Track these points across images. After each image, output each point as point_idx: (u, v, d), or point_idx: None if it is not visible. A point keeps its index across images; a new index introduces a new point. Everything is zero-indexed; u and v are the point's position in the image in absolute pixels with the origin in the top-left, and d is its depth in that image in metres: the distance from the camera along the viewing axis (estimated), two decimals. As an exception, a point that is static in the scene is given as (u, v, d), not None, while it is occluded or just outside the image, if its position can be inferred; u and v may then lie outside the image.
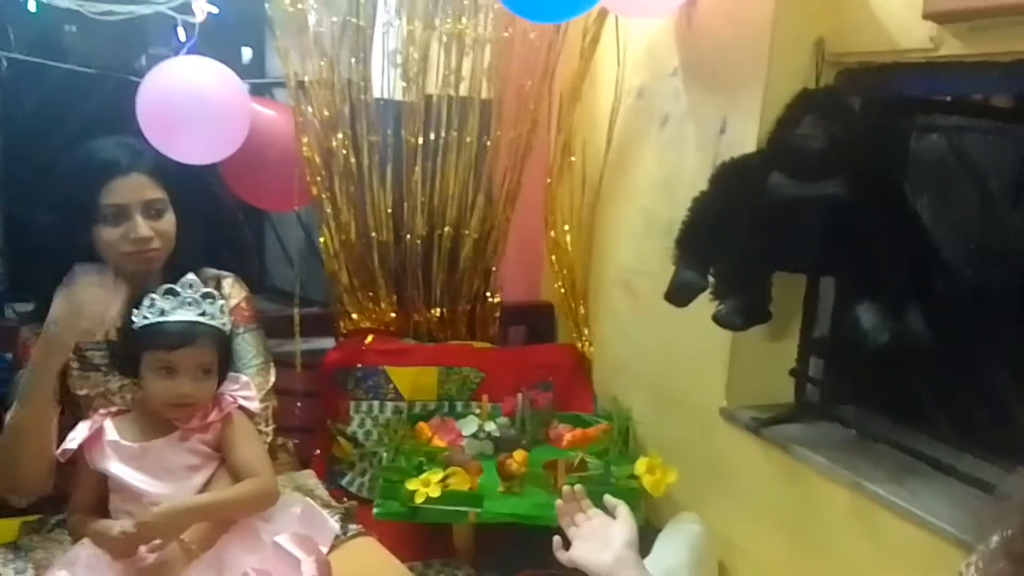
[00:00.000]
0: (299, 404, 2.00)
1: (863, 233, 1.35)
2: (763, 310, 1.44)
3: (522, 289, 2.34)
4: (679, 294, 1.51)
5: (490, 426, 1.92)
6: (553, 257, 2.22)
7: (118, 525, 1.30)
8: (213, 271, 1.62)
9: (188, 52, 1.82)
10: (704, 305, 1.49)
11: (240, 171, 1.95)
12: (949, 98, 1.57)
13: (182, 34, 1.84)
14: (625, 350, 2.04)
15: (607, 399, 2.06)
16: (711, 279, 1.47)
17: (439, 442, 1.84)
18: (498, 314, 2.22)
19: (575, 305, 2.17)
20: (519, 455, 1.77)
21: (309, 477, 1.69)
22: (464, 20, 2.08)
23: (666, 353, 1.83)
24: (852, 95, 1.53)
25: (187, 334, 1.37)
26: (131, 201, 1.43)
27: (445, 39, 2.10)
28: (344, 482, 1.96)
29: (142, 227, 1.44)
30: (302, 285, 2.13)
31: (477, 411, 1.98)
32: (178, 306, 1.39)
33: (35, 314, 1.49)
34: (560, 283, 2.20)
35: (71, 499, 1.42)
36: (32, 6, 1.67)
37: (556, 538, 1.18)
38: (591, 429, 1.91)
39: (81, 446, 1.38)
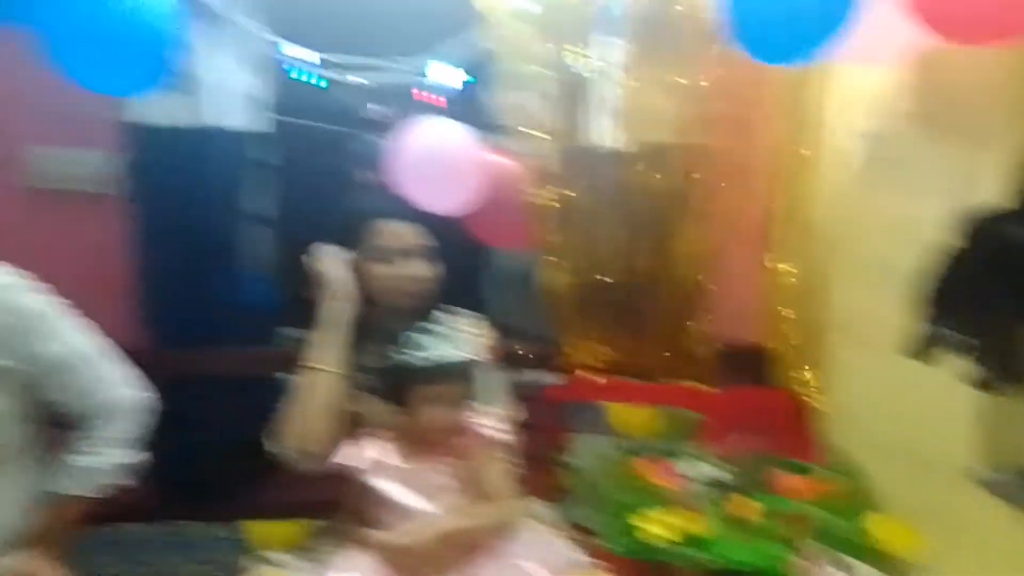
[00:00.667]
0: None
1: None
2: (1019, 371, 1.38)
3: (741, 332, 2.34)
4: (924, 349, 1.48)
5: (709, 469, 1.94)
6: (774, 301, 2.23)
7: (389, 536, 1.46)
8: (458, 309, 1.79)
9: (437, 113, 2.03)
10: (950, 360, 1.45)
11: (473, 214, 2.12)
12: None
13: (429, 97, 2.05)
14: (854, 400, 1.99)
15: (833, 450, 2.02)
16: (960, 335, 1.43)
17: (659, 480, 1.89)
18: (715, 356, 2.24)
19: (796, 350, 2.16)
20: (748, 502, 1.78)
21: (539, 507, 1.80)
22: (683, 68, 2.15)
23: (905, 407, 1.77)
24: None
25: (449, 369, 1.53)
26: (410, 244, 1.63)
27: (663, 87, 2.18)
28: (565, 511, 2.05)
29: (417, 267, 1.63)
30: (522, 321, 2.27)
31: (694, 452, 2.01)
32: (438, 343, 1.55)
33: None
34: (781, 327, 2.20)
35: (341, 508, 1.61)
36: (322, 83, 1.94)
37: None
38: (818, 480, 1.89)
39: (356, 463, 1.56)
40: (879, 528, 1.62)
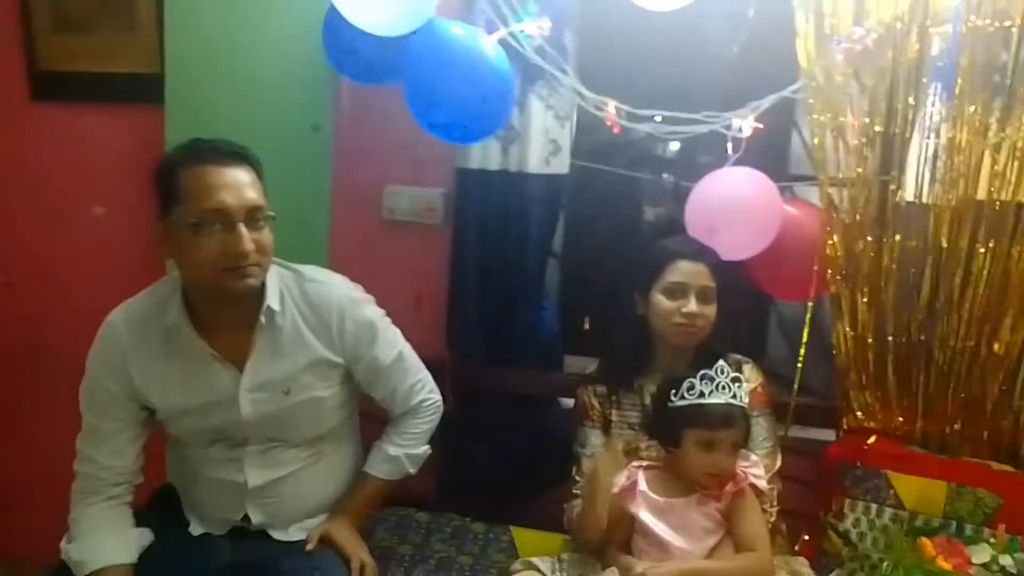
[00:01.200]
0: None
1: None
2: None
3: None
4: None
5: (1006, 560, 1.75)
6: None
7: (640, 566, 1.54)
8: (736, 356, 1.83)
9: (733, 162, 2.08)
10: None
11: (763, 262, 2.13)
12: None
13: (730, 147, 2.11)
14: None
15: None
16: None
17: (944, 564, 1.74)
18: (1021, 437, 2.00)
19: None
20: (1046, 602, 1.59)
21: (803, 565, 1.76)
22: (1009, 123, 1.97)
23: None
24: None
25: (727, 416, 1.59)
26: (692, 282, 1.75)
27: (987, 142, 2.01)
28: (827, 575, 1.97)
29: (694, 305, 1.72)
30: (803, 375, 2.21)
31: (992, 540, 1.82)
32: (714, 389, 1.61)
33: (595, 377, 1.87)
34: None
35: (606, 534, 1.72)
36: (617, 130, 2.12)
37: None
38: None
39: (621, 490, 1.67)
40: None
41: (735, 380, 1.62)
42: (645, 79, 2.35)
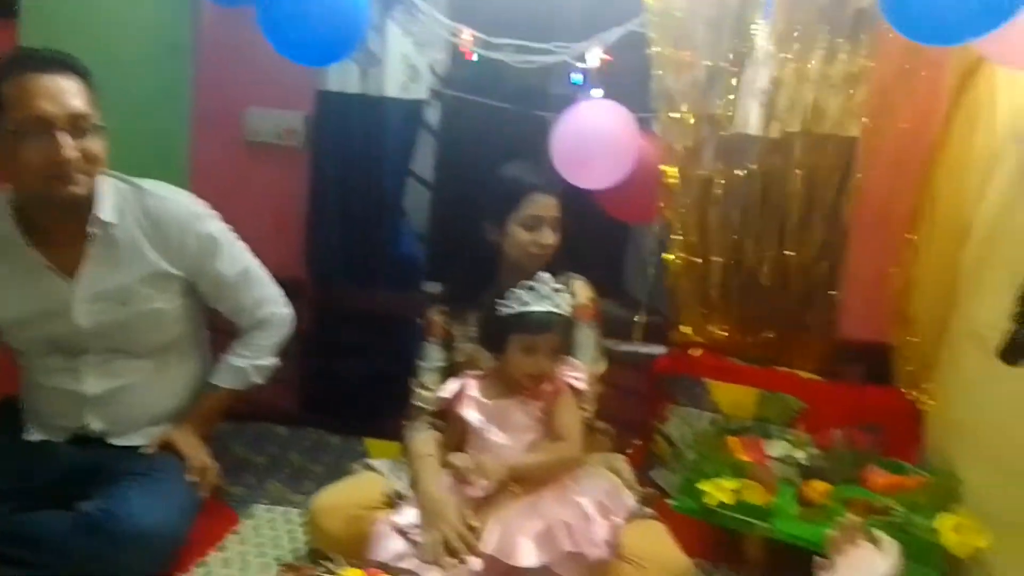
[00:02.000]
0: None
1: None
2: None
3: (865, 327, 2.29)
4: (1012, 352, 1.43)
5: (800, 454, 1.96)
6: (903, 300, 2.16)
7: (463, 460, 1.67)
8: (568, 273, 1.95)
9: (587, 93, 2.17)
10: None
11: (610, 190, 2.25)
12: None
13: (582, 77, 2.21)
14: (966, 407, 1.91)
15: (935, 452, 1.96)
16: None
17: (745, 457, 1.94)
18: (830, 348, 2.22)
19: (917, 352, 2.09)
20: (821, 486, 1.81)
21: (620, 461, 1.92)
22: (837, 57, 2.13)
23: (1008, 418, 1.70)
24: None
25: (547, 322, 1.71)
26: (546, 215, 1.84)
27: (814, 77, 2.17)
28: (653, 474, 2.16)
29: (549, 236, 1.82)
30: (652, 296, 2.38)
31: (791, 438, 2.03)
32: (537, 299, 1.73)
33: (443, 296, 1.97)
34: (905, 328, 2.13)
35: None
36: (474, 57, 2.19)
37: (818, 559, 1.24)
38: (908, 478, 1.85)
39: (453, 396, 1.79)
40: (948, 527, 1.58)
41: (557, 291, 1.74)
42: (504, 8, 2.40)
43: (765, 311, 2.25)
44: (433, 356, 1.94)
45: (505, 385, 1.78)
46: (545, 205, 1.88)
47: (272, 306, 1.92)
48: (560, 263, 1.92)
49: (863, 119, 2.12)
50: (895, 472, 1.91)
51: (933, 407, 2.05)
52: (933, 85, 2.08)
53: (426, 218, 2.63)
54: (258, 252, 1.96)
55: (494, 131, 2.56)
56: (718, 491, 1.73)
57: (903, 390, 2.12)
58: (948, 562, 1.60)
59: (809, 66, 2.13)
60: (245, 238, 1.92)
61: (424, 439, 1.81)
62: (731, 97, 2.21)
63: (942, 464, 1.88)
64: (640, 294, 2.44)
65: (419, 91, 2.47)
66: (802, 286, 2.22)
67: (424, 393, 1.89)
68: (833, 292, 2.23)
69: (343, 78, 2.42)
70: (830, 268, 2.22)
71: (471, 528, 1.58)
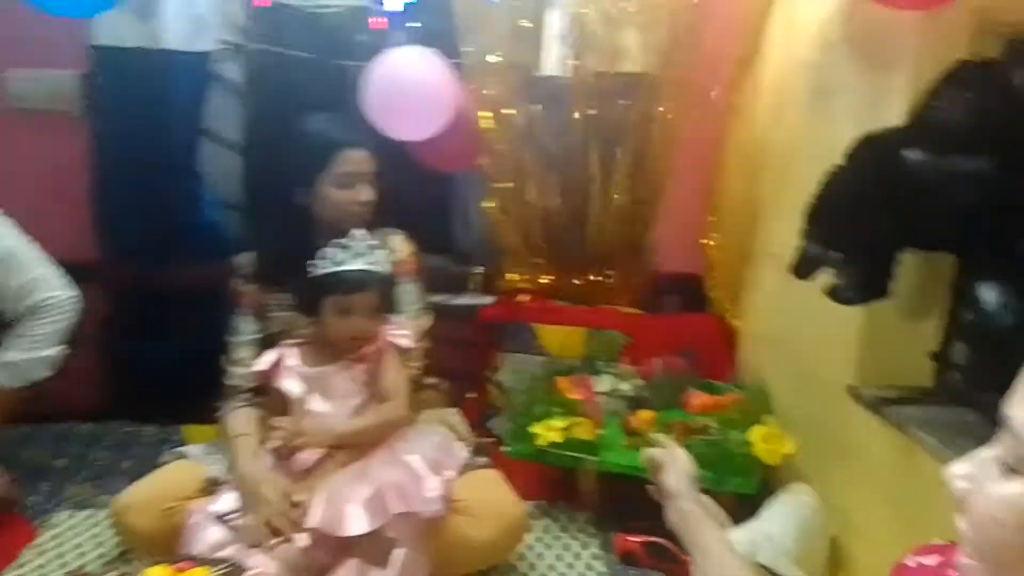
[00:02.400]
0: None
1: (999, 211, 1.28)
2: (881, 287, 1.41)
3: (681, 260, 2.38)
4: (802, 266, 1.51)
5: (625, 386, 2.02)
6: (710, 229, 2.26)
7: (283, 428, 1.57)
8: (387, 229, 1.86)
9: (393, 40, 2.06)
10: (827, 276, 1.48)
11: (425, 141, 2.17)
12: None
13: (375, 23, 2.10)
14: (767, 323, 2.04)
15: (747, 370, 2.07)
16: (829, 251, 1.45)
17: (574, 395, 1.97)
18: (650, 283, 2.29)
19: (725, 276, 2.19)
20: (645, 414, 1.86)
21: (453, 415, 1.88)
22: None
23: (802, 328, 1.82)
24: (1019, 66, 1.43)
25: (361, 281, 1.61)
26: (361, 171, 1.71)
27: (614, 16, 2.18)
28: (491, 424, 2.15)
29: (366, 192, 1.71)
30: (481, 247, 2.34)
31: (616, 372, 2.08)
32: (350, 257, 1.63)
33: (255, 265, 1.81)
34: (713, 255, 2.23)
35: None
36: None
37: (651, 487, 1.26)
38: (723, 397, 1.95)
39: (270, 369, 1.67)
40: (758, 438, 1.68)
41: (372, 247, 1.66)
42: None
43: (586, 252, 2.28)
44: (245, 329, 1.80)
45: (326, 351, 1.68)
46: (359, 160, 1.76)
47: (47, 290, 1.71)
48: (379, 219, 1.83)
49: (664, 54, 2.16)
50: (712, 393, 2.01)
51: (742, 327, 2.17)
52: (731, 17, 2.14)
53: (232, 183, 2.45)
54: (33, 233, 1.74)
55: (301, 85, 2.39)
56: (548, 432, 1.74)
57: (715, 315, 2.22)
58: (764, 471, 1.70)
59: (608, 5, 2.15)
60: (15, 218, 1.70)
61: (241, 418, 1.68)
62: (537, 40, 2.20)
63: (754, 380, 2.00)
64: (467, 246, 2.40)
65: (206, 43, 2.26)
66: (619, 225, 2.26)
67: (238, 370, 1.75)
68: (648, 229, 2.29)
69: (117, 31, 2.17)
70: (645, 206, 2.27)
71: (295, 504, 1.49)
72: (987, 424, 1.44)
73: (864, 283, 1.41)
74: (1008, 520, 0.47)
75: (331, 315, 1.64)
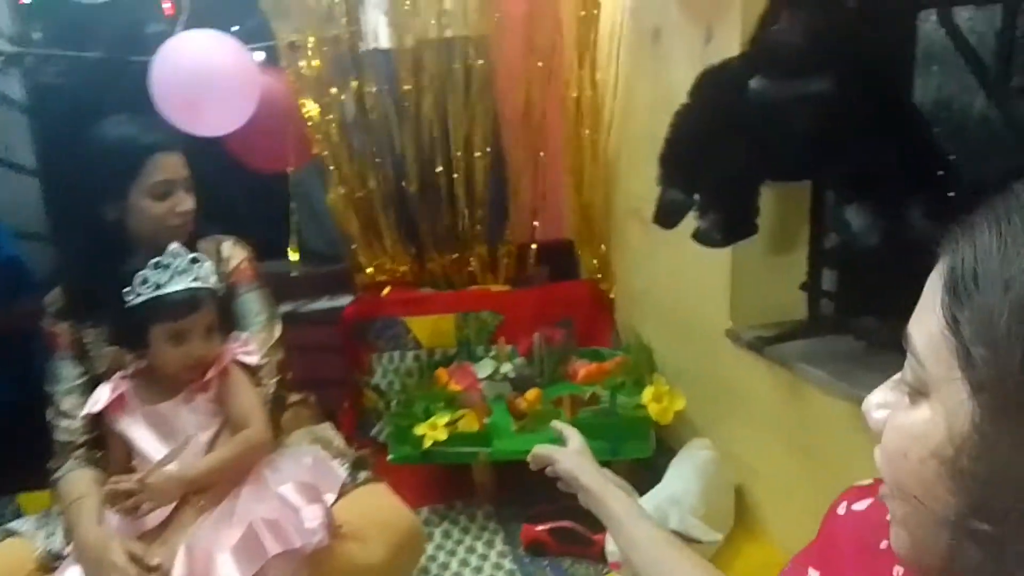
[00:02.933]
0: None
1: (847, 131, 1.26)
2: (747, 224, 1.37)
3: (547, 229, 2.30)
4: (665, 215, 1.45)
5: (506, 367, 1.92)
6: (571, 193, 2.18)
7: (123, 485, 1.36)
8: (213, 236, 1.66)
9: (185, 25, 1.84)
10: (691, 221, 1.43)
11: (239, 136, 1.97)
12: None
13: (168, 8, 1.87)
14: (640, 280, 1.99)
15: (627, 332, 2.02)
16: (685, 194, 1.40)
17: (456, 387, 1.85)
18: (514, 256, 2.20)
19: (592, 239, 2.13)
20: (531, 393, 1.77)
21: (327, 429, 1.72)
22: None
23: (674, 279, 1.78)
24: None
25: (189, 301, 1.40)
26: (177, 177, 1.49)
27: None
28: (373, 432, 2.00)
29: (186, 200, 1.49)
30: (336, 244, 2.16)
31: (494, 354, 1.98)
32: (172, 276, 1.42)
33: (65, 299, 1.56)
34: (579, 219, 2.16)
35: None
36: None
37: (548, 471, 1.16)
38: (607, 363, 1.89)
39: (105, 408, 1.44)
40: (650, 397, 1.62)
41: (194, 261, 1.46)
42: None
43: (442, 232, 2.16)
44: (66, 375, 1.55)
45: (163, 384, 1.47)
46: (172, 165, 1.53)
47: None
48: (204, 227, 1.63)
49: (495, 15, 2.06)
50: (595, 360, 1.94)
51: (615, 289, 2.11)
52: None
53: (28, 210, 2.14)
54: None
55: (92, 89, 2.12)
56: (433, 430, 1.61)
57: (587, 280, 2.15)
58: (659, 431, 1.64)
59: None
60: None
61: (76, 479, 1.45)
62: (355, 14, 2.04)
63: (635, 340, 1.94)
64: (316, 243, 2.22)
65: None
66: (473, 199, 2.14)
67: (65, 423, 1.51)
68: (504, 199, 2.19)
69: None
70: (496, 176, 2.17)
71: (152, 569, 1.29)
72: (866, 349, 1.45)
73: (729, 222, 1.36)
74: (911, 451, 0.41)
75: (161, 344, 1.43)
